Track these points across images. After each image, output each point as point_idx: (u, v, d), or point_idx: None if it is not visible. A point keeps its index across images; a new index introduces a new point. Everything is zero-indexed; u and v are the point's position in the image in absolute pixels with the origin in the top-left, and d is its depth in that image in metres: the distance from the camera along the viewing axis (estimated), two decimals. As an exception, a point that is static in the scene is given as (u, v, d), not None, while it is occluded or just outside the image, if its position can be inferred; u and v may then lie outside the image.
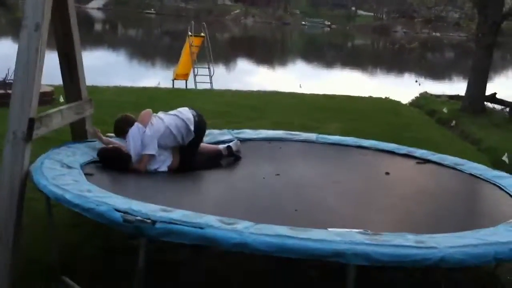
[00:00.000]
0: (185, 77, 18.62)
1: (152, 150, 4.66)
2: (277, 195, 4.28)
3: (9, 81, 10.05)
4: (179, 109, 5.04)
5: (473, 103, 12.76)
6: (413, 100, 15.15)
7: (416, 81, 15.55)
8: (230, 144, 5.37)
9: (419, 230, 3.38)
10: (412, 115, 12.63)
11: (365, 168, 5.38)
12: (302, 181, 4.72)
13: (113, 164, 4.58)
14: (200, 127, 4.97)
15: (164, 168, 4.72)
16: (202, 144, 5.15)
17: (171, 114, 4.94)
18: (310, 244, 2.94)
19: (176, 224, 3.06)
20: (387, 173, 5.12)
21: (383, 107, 13.12)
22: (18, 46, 3.91)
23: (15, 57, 3.90)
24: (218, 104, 11.56)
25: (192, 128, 4.86)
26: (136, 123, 4.78)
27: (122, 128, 4.87)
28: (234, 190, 4.43)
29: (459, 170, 5.33)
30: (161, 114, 4.96)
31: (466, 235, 3.37)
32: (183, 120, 4.86)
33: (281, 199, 4.18)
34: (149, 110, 4.93)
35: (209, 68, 18.53)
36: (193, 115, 4.95)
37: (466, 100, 12.97)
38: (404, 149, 5.96)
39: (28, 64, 3.87)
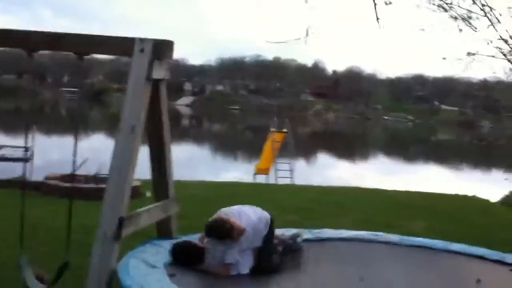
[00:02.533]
0: (266, 171, 18.87)
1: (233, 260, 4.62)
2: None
3: (100, 175, 10.58)
4: (255, 208, 5.01)
5: None
6: (503, 199, 14.49)
7: (506, 179, 14.93)
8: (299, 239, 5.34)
9: None
10: (503, 214, 12.03)
11: (454, 274, 5.11)
12: (386, 286, 4.53)
13: (185, 260, 4.61)
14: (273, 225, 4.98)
15: (246, 270, 4.68)
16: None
17: (252, 216, 4.90)
18: None
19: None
20: (478, 281, 4.83)
21: (471, 206, 12.60)
22: (114, 147, 4.13)
23: (107, 153, 4.10)
24: (299, 200, 11.55)
25: (267, 227, 4.86)
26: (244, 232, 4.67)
27: (225, 234, 4.65)
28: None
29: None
30: (244, 210, 4.93)
31: None
32: (260, 219, 4.87)
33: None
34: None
35: (290, 163, 18.72)
36: (268, 214, 4.96)
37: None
38: (496, 255, 5.64)
39: (123, 164, 4.07)
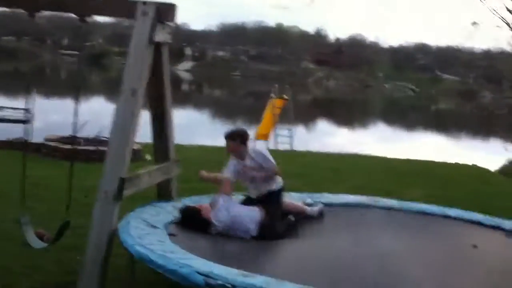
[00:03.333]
0: (266, 137, 18.86)
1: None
2: (358, 264, 4.18)
3: (100, 138, 10.60)
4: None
5: None
6: (501, 168, 14.54)
7: (506, 149, 14.97)
8: (317, 208, 5.47)
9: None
10: (501, 183, 12.10)
11: (451, 239, 5.18)
12: (384, 251, 4.58)
13: (192, 224, 4.67)
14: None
15: (253, 225, 4.76)
16: (287, 201, 5.23)
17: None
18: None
19: (257, 290, 3.05)
20: (475, 246, 4.89)
21: (470, 174, 12.66)
22: (115, 110, 4.14)
23: (108, 116, 4.12)
24: (298, 166, 11.58)
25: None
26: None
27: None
28: (314, 257, 4.36)
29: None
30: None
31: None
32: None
33: (361, 269, 4.08)
34: None
35: (290, 129, 18.73)
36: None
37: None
38: (492, 221, 5.71)
39: (124, 127, 4.08)
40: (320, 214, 5.47)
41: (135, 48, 4.18)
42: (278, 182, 5.16)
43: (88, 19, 4.51)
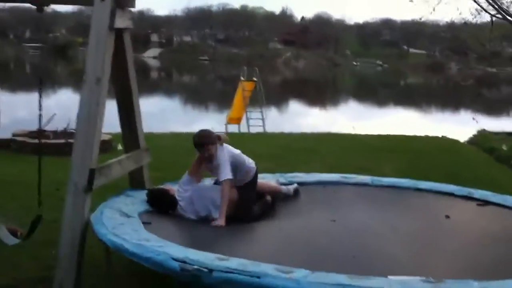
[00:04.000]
0: (238, 121, 18.87)
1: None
2: (334, 241, 4.21)
3: (70, 130, 10.44)
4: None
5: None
6: (470, 138, 14.78)
7: (474, 119, 15.21)
8: (293, 187, 5.51)
9: (483, 276, 3.25)
10: (471, 153, 12.31)
11: (424, 211, 5.25)
12: (359, 226, 4.63)
13: (160, 205, 4.67)
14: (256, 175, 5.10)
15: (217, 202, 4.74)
16: (262, 182, 5.24)
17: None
18: (370, 293, 2.87)
19: (233, 273, 3.06)
20: (447, 217, 4.97)
21: (440, 146, 12.85)
22: (80, 100, 4.07)
23: (76, 109, 4.06)
24: (271, 147, 11.60)
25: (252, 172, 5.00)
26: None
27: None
28: (290, 237, 4.38)
29: (523, 211, 5.13)
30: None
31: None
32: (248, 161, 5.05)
33: (337, 246, 4.11)
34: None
35: (261, 111, 18.74)
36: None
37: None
38: (463, 191, 5.80)
39: (89, 117, 4.02)
40: (296, 193, 5.49)
41: (95, 35, 4.10)
42: (252, 171, 5.07)
43: (46, 8, 4.41)
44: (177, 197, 4.75)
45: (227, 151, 4.89)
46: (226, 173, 4.71)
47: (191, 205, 4.70)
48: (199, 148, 4.87)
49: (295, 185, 5.64)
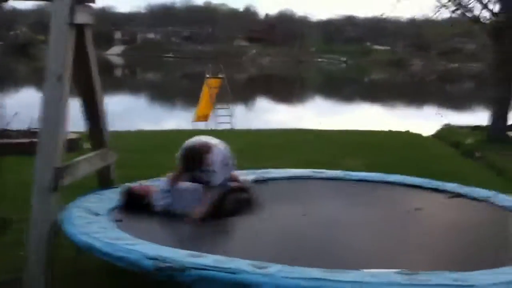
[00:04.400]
0: (205, 118, 18.79)
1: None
2: (307, 236, 4.20)
3: (33, 129, 10.21)
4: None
5: (497, 133, 12.65)
6: (436, 132, 15.02)
7: (438, 113, 15.46)
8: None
9: (456, 268, 3.28)
10: (436, 147, 12.50)
11: (394, 204, 5.28)
12: (331, 220, 4.64)
13: (134, 206, 4.59)
14: None
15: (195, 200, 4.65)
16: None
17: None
18: (346, 286, 2.86)
19: (208, 270, 3.02)
20: (417, 209, 5.02)
21: (405, 141, 13.03)
22: (42, 98, 3.98)
23: (39, 107, 3.96)
24: (240, 144, 11.53)
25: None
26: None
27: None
28: (263, 232, 4.36)
29: (491, 202, 5.21)
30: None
31: (504, 271, 3.26)
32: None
33: (311, 240, 4.10)
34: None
35: (229, 108, 18.70)
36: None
37: (490, 130, 12.86)
38: (432, 183, 5.86)
39: (53, 114, 3.92)
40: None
41: (55, 31, 4.01)
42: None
43: (5, 4, 4.30)
44: (155, 201, 4.65)
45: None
46: (220, 178, 4.64)
47: (169, 205, 4.63)
48: (197, 159, 4.63)
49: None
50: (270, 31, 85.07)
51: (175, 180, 4.74)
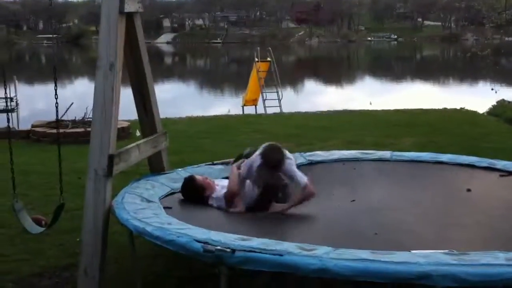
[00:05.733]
0: (254, 102, 18.81)
1: None
2: (355, 219, 4.18)
3: (88, 119, 10.52)
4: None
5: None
6: (490, 109, 14.58)
7: (492, 89, 14.95)
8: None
9: (509, 247, 3.21)
10: (490, 124, 12.16)
11: (445, 184, 5.19)
12: (380, 203, 4.60)
13: (191, 197, 4.64)
14: None
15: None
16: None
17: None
18: (394, 267, 2.83)
19: (256, 252, 3.05)
20: (469, 190, 4.91)
21: (459, 118, 12.72)
22: (95, 86, 4.07)
23: (93, 96, 4.06)
24: (288, 127, 11.58)
25: None
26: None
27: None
28: (311, 216, 4.37)
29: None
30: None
31: (560, 250, 3.17)
32: None
33: (359, 223, 4.07)
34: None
35: (277, 92, 18.65)
36: None
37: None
38: (485, 162, 5.71)
39: (105, 103, 4.01)
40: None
41: (106, 20, 4.08)
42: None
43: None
44: (213, 196, 4.64)
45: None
46: (303, 176, 4.50)
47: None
48: (278, 165, 4.47)
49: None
50: (317, 11, 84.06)
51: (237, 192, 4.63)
